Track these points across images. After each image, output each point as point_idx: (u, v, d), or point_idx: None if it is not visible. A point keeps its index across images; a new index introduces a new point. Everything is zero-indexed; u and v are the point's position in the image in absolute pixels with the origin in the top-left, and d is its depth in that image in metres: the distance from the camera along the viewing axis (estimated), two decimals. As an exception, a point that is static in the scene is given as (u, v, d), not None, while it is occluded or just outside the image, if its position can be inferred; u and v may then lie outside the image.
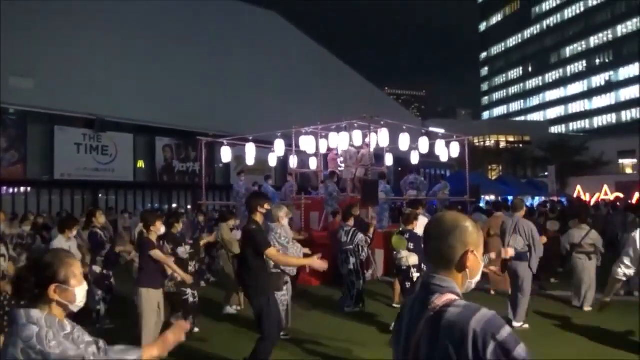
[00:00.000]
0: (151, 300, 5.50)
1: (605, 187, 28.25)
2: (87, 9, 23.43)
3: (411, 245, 6.45)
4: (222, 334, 6.74)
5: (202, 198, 15.29)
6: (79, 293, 2.05)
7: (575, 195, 27.37)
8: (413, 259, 6.47)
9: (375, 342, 6.02)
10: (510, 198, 25.38)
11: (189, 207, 22.82)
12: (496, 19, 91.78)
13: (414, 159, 13.91)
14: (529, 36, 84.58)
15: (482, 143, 59.77)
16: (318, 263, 4.89)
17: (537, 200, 22.32)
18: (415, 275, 6.40)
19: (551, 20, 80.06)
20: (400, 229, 6.80)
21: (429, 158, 15.40)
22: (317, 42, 39.54)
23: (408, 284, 6.46)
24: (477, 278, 1.67)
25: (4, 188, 19.39)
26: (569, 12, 76.49)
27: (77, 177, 20.50)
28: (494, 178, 36.54)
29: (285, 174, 14.79)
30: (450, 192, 14.57)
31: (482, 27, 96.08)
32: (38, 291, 1.97)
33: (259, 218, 4.99)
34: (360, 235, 7.99)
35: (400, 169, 17.02)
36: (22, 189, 20.03)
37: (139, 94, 21.66)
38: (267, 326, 4.70)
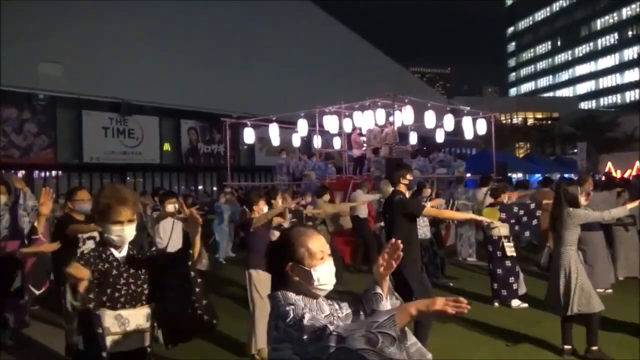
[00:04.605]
0: (261, 283, 4.96)
1: (638, 164, 27.44)
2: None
3: (503, 215, 6.76)
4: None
5: (228, 179, 15.44)
6: (317, 273, 1.82)
7: (605, 172, 26.72)
8: (504, 230, 6.78)
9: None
10: (537, 176, 24.98)
11: (214, 188, 23.08)
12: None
13: (439, 137, 13.76)
14: (557, 9, 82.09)
15: (510, 120, 58.66)
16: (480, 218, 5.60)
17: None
18: (507, 245, 6.77)
19: (581, -8, 77.48)
20: (491, 202, 7.08)
21: (454, 136, 15.20)
22: (340, 21, 39.12)
23: (499, 254, 6.81)
24: None
25: (36, 172, 19.88)
26: (600, -17, 73.90)
27: (105, 160, 20.85)
28: (521, 156, 35.95)
29: (309, 154, 14.78)
30: (476, 171, 14.39)
31: (509, 1, 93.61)
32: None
33: (403, 189, 4.91)
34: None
35: (425, 147, 16.87)
36: (54, 173, 20.51)
37: (163, 77, 21.79)
38: (419, 294, 4.45)
